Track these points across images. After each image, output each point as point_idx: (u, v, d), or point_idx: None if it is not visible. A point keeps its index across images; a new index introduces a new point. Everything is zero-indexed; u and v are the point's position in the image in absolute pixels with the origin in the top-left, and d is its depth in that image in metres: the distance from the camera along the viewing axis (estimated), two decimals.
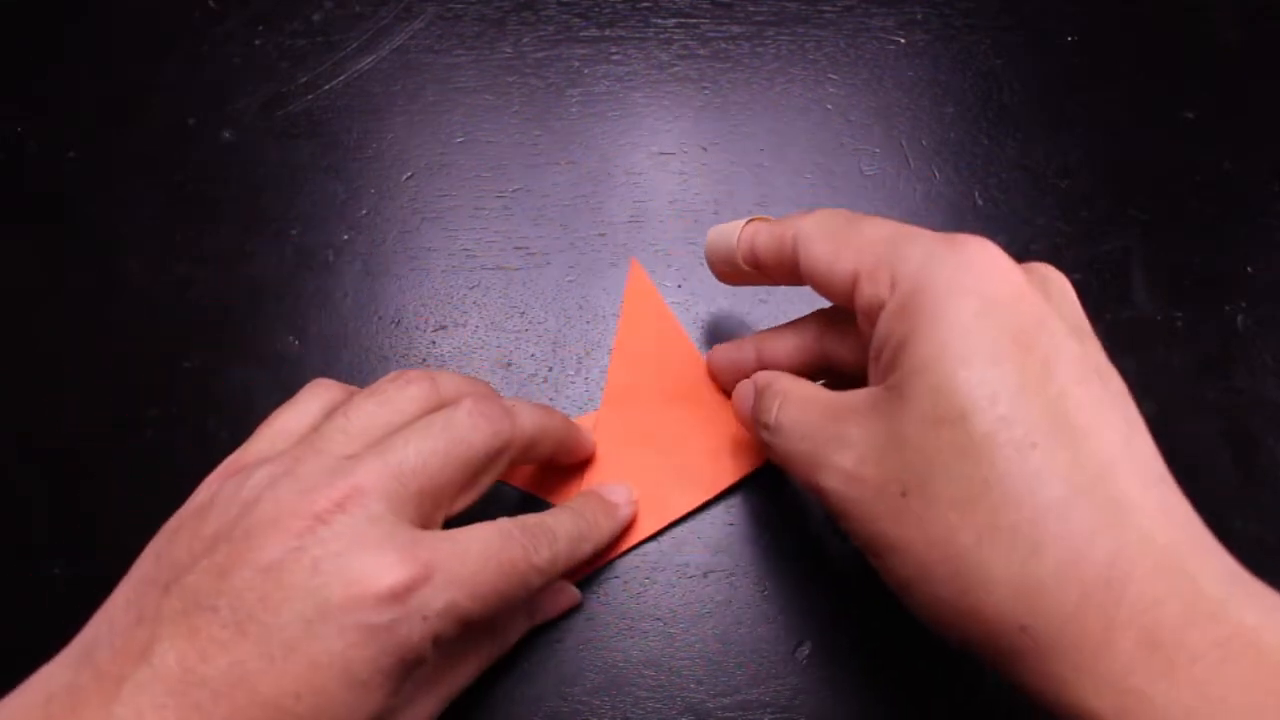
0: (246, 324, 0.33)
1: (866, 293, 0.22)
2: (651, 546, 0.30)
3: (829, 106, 0.37)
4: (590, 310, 0.33)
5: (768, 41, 0.38)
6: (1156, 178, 0.35)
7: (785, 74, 0.37)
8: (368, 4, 0.38)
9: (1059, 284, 0.22)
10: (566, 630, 0.29)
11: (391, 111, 0.37)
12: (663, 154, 0.36)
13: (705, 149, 0.36)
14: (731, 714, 0.28)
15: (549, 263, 0.34)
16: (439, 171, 0.36)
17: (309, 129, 0.36)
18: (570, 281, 0.34)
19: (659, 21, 0.38)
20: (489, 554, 0.22)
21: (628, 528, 0.29)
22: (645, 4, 0.38)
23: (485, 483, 0.24)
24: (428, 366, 0.32)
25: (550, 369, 0.32)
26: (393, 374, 0.25)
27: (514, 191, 0.35)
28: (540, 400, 0.32)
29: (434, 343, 0.33)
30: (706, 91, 0.37)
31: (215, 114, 0.36)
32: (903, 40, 0.38)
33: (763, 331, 0.28)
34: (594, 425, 0.30)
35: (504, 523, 0.24)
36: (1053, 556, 0.18)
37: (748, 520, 0.30)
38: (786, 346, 0.27)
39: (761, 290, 0.33)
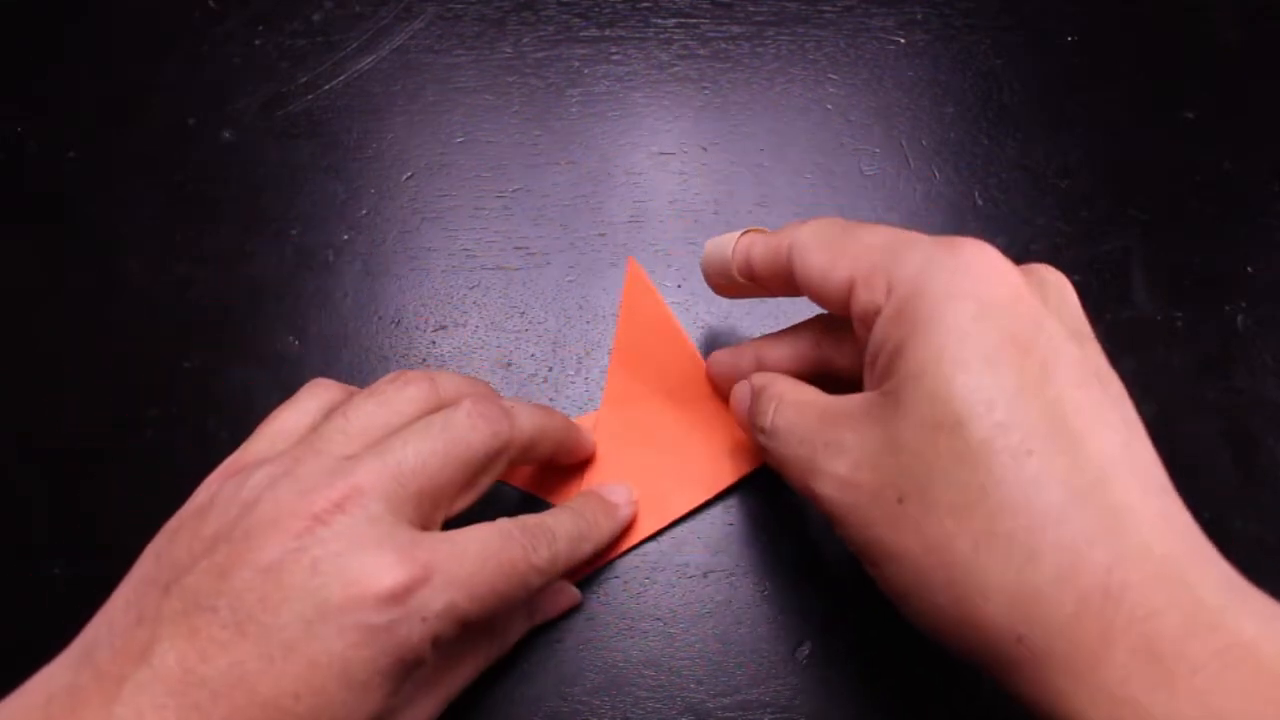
0: (246, 324, 0.33)
1: (862, 299, 0.22)
2: (651, 546, 0.30)
3: (829, 106, 0.37)
4: (590, 310, 0.33)
5: (768, 41, 0.38)
6: (1156, 178, 0.35)
7: (785, 74, 0.37)
8: (368, 4, 0.38)
9: (1058, 285, 0.22)
10: (566, 630, 0.29)
11: (391, 111, 0.37)
12: (663, 154, 0.36)
13: (705, 149, 0.36)
14: (731, 714, 0.28)
15: (549, 263, 0.34)
16: (439, 171, 0.36)
17: (309, 129, 0.36)
18: (570, 281, 0.34)
19: (659, 21, 0.38)
20: (488, 554, 0.22)
21: (628, 528, 0.29)
22: (645, 4, 0.38)
23: (485, 483, 0.24)
24: (428, 366, 0.32)
25: (550, 369, 0.32)
26: (392, 374, 0.25)
27: (514, 191, 0.35)
28: (540, 400, 0.32)
29: (434, 343, 0.33)
30: (706, 91, 0.37)
31: (215, 114, 0.36)
32: (903, 40, 0.38)
33: (761, 337, 0.28)
34: (594, 425, 0.30)
35: (503, 523, 0.24)
36: (1050, 564, 0.18)
37: (748, 520, 0.30)
38: (785, 352, 0.27)
39: None
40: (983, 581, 0.19)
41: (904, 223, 0.34)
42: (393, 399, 0.24)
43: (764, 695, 0.28)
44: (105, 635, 0.20)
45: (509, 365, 0.33)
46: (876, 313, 0.21)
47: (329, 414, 0.24)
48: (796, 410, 0.23)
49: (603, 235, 0.34)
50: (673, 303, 0.33)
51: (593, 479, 0.30)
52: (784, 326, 0.28)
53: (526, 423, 0.25)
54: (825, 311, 0.26)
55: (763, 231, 0.26)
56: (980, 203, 0.35)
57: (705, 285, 0.29)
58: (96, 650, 0.20)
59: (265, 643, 0.19)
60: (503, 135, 0.36)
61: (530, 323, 0.33)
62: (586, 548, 0.27)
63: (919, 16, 0.38)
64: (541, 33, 0.38)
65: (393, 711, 0.22)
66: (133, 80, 0.37)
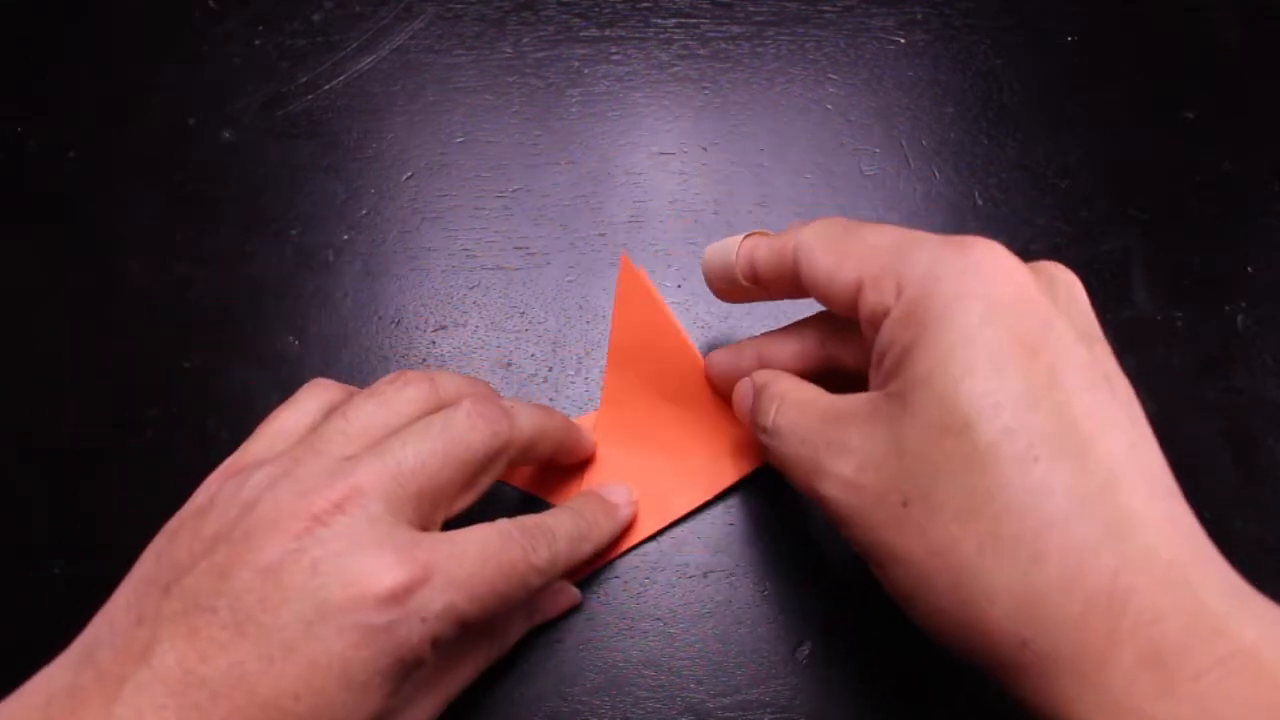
0: (246, 324, 0.33)
1: (870, 300, 0.22)
2: (651, 546, 0.30)
3: (829, 106, 0.37)
4: (590, 310, 0.33)
5: (768, 41, 0.38)
6: (1156, 178, 0.35)
7: (785, 74, 0.37)
8: (368, 4, 0.38)
9: (1068, 284, 0.22)
10: (566, 630, 0.29)
11: (391, 111, 0.37)
12: (663, 154, 0.36)
13: (705, 149, 0.36)
14: (731, 714, 0.28)
15: (549, 263, 0.34)
16: (439, 171, 0.36)
17: (309, 129, 0.36)
18: (570, 281, 0.34)
19: (659, 21, 0.38)
20: (488, 555, 0.22)
21: (628, 528, 0.29)
22: (645, 4, 0.38)
23: (484, 483, 0.24)
24: (428, 366, 0.32)
25: (550, 369, 0.32)
26: (392, 374, 0.25)
27: (514, 191, 0.35)
28: (540, 400, 0.32)
29: (434, 343, 0.33)
30: (706, 91, 0.37)
31: (215, 114, 0.36)
32: (903, 40, 0.38)
33: (763, 335, 0.28)
34: (594, 425, 0.30)
35: (503, 524, 0.24)
36: (1055, 568, 0.18)
37: (748, 520, 0.30)
38: (788, 350, 0.27)
39: None
40: (988, 585, 0.19)
41: (904, 223, 0.34)
42: (392, 399, 0.24)
43: (764, 695, 0.28)
44: (106, 635, 0.20)
45: (509, 365, 0.33)
46: (885, 314, 0.21)
47: (329, 414, 0.24)
48: (799, 409, 0.23)
49: (603, 235, 0.34)
50: (673, 303, 0.33)
51: (593, 479, 0.30)
52: (785, 325, 0.28)
53: (526, 423, 0.25)
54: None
55: (765, 234, 0.26)
56: (980, 203, 0.35)
57: (706, 285, 0.29)
58: (97, 650, 0.20)
59: (265, 643, 0.19)
60: (503, 135, 0.36)
61: (530, 323, 0.33)
62: (586, 548, 0.27)
63: (919, 16, 0.38)
64: (541, 33, 0.38)
65: (393, 712, 0.22)
66: (133, 80, 0.37)
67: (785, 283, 0.25)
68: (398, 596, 0.20)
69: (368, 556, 0.20)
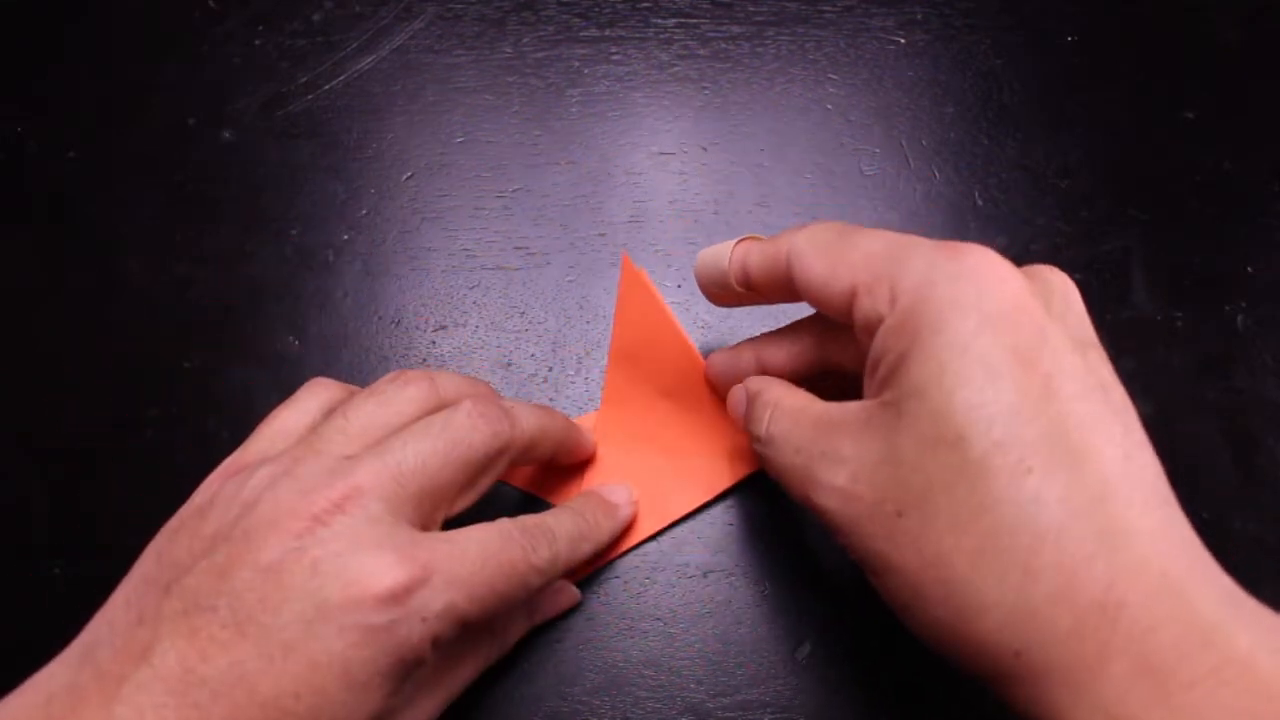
0: (246, 324, 0.33)
1: (865, 307, 0.21)
2: (651, 546, 0.30)
3: (829, 106, 0.37)
4: (590, 310, 0.33)
5: (768, 41, 0.38)
6: (1156, 178, 0.35)
7: (785, 74, 0.37)
8: (368, 4, 0.38)
9: (1063, 290, 0.22)
10: (566, 630, 0.29)
11: (391, 111, 0.37)
12: (663, 154, 0.36)
13: (705, 149, 0.36)
14: (731, 714, 0.28)
15: (549, 263, 0.34)
16: (439, 171, 0.36)
17: (309, 129, 0.36)
18: (570, 281, 0.34)
19: (659, 21, 0.38)
20: (488, 555, 0.22)
21: (628, 528, 0.29)
22: (645, 4, 0.38)
23: (485, 483, 0.24)
24: (428, 366, 0.32)
25: (550, 369, 0.32)
26: (392, 374, 0.25)
27: (514, 191, 0.35)
28: (540, 400, 0.32)
29: (434, 343, 0.33)
30: (706, 91, 0.37)
31: (215, 114, 0.36)
32: (903, 40, 0.38)
33: (761, 335, 0.28)
34: (594, 425, 0.30)
35: (503, 523, 0.24)
36: (1048, 582, 0.18)
37: (748, 520, 0.30)
38: (786, 351, 0.27)
39: None
40: (980, 598, 0.18)
41: (904, 223, 0.34)
42: (393, 399, 0.24)
43: (764, 695, 0.28)
44: (106, 635, 0.20)
45: (509, 365, 0.33)
46: (879, 322, 0.21)
47: (329, 414, 0.24)
48: (792, 418, 0.23)
49: (603, 235, 0.34)
50: (673, 303, 0.33)
51: (593, 479, 0.30)
52: (784, 325, 0.28)
53: (527, 423, 0.25)
54: None
55: (758, 239, 0.26)
56: (980, 203, 0.35)
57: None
58: (97, 650, 0.20)
59: (265, 643, 0.19)
60: (503, 135, 0.36)
61: (530, 323, 0.33)
62: (586, 548, 0.27)
63: (919, 16, 0.38)
64: (541, 33, 0.38)
65: (393, 711, 0.22)
66: (133, 80, 0.37)
67: (779, 288, 0.25)
68: (398, 596, 0.20)
69: (368, 556, 0.20)
